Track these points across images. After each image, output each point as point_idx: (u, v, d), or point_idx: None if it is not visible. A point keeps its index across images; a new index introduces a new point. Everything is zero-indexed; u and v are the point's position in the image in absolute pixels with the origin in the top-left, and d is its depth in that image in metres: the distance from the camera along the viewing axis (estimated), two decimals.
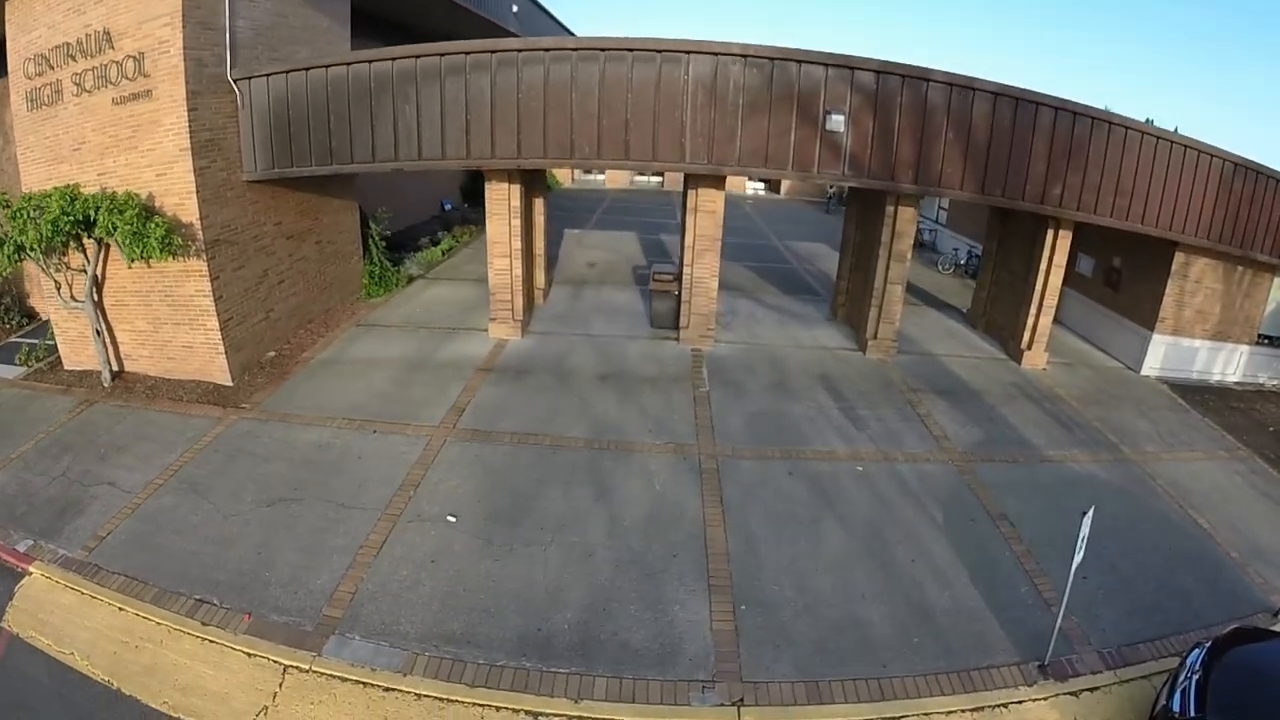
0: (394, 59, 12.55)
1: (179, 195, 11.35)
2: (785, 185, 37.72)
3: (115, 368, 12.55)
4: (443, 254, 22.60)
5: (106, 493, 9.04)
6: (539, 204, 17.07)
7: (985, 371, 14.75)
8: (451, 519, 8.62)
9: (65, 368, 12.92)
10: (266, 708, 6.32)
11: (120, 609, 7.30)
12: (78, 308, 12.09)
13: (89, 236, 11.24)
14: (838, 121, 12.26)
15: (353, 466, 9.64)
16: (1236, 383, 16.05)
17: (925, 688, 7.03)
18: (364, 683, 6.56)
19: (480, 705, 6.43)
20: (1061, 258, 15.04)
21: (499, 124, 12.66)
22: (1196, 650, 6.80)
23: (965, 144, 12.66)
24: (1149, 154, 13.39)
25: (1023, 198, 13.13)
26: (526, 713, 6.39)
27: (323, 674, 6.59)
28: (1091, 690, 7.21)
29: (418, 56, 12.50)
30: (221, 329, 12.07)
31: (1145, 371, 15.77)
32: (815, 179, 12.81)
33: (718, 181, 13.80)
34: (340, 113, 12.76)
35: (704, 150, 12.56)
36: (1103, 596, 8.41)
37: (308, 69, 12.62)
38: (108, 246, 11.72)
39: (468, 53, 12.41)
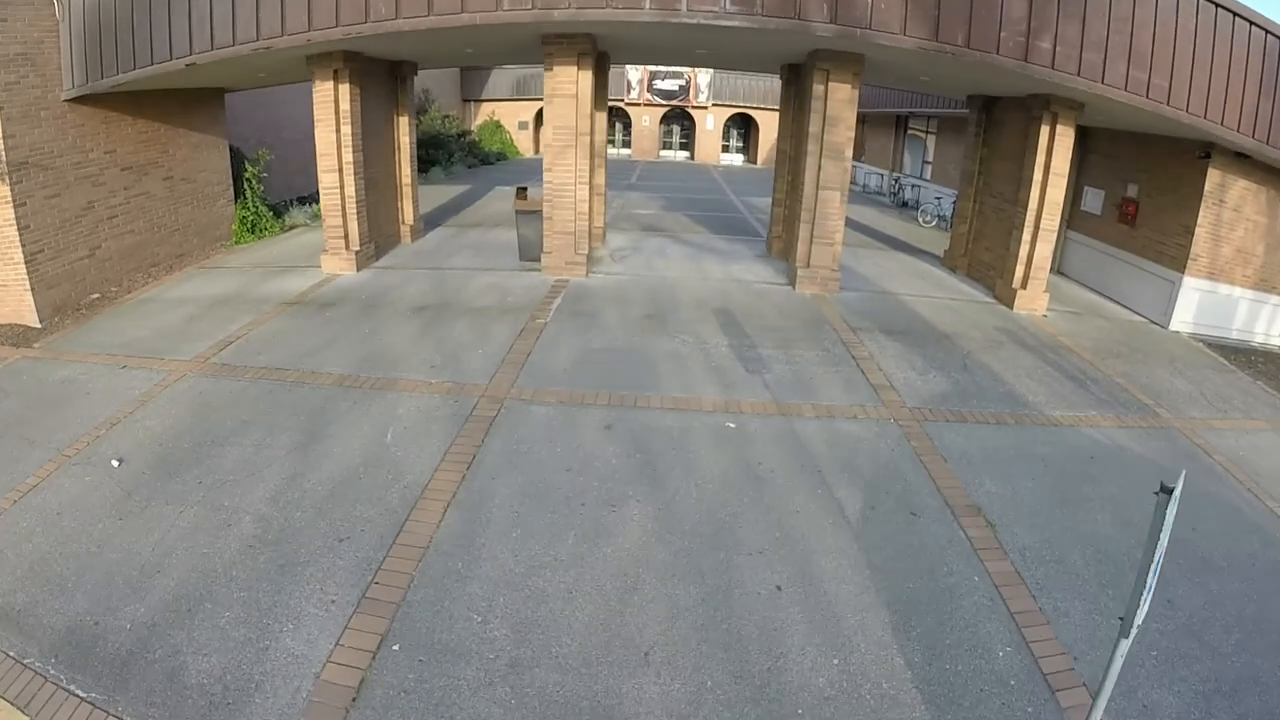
0: None
1: None
2: (762, 154, 33.30)
3: None
4: None
5: None
6: (403, 123, 13.23)
7: (963, 314, 10.24)
8: (116, 463, 6.18)
9: None
10: None
11: None
12: None
13: None
14: None
15: (75, 403, 7.42)
16: None
17: None
18: None
19: None
20: (1062, 163, 10.61)
21: None
22: None
23: None
24: (1170, 8, 8.89)
25: (997, 50, 8.62)
26: None
27: None
28: None
29: None
30: (28, 263, 9.83)
31: (1175, 326, 11.21)
32: (684, 18, 8.32)
33: (572, 54, 9.59)
34: (143, 8, 9.80)
35: None
36: (1155, 661, 4.02)
37: None
38: None
39: None
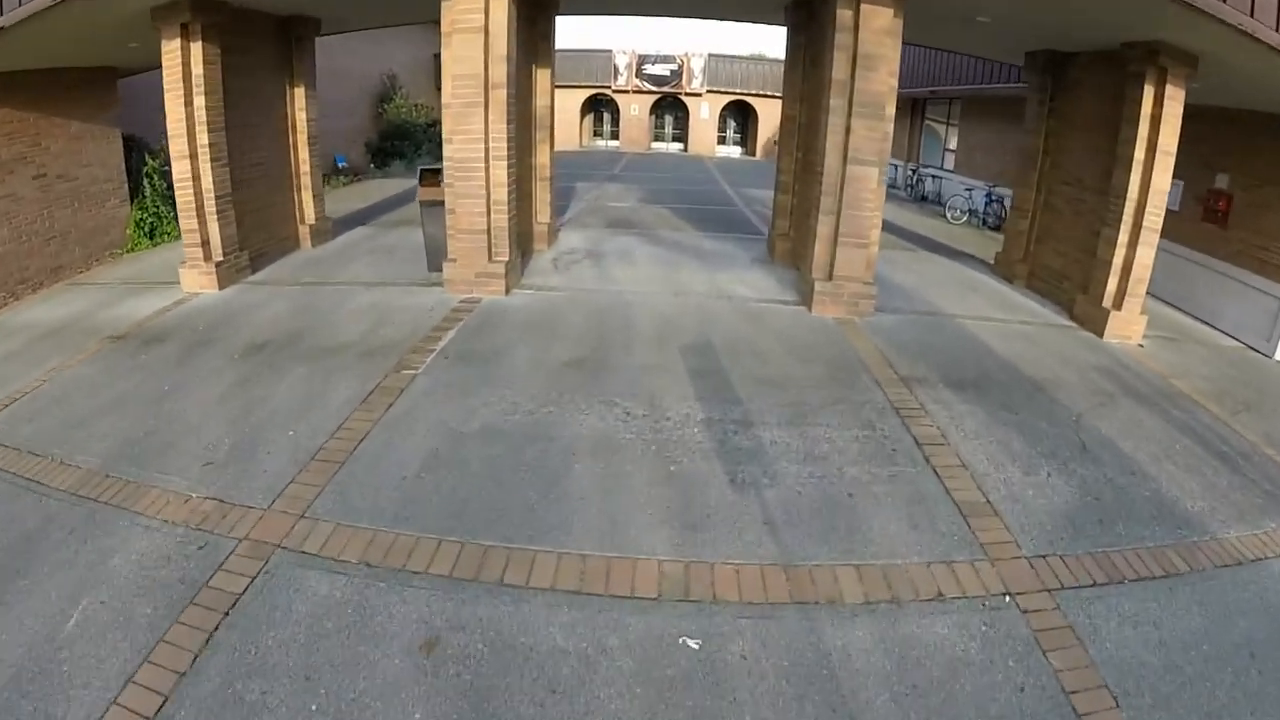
0: None
1: None
2: (761, 146, 30.11)
3: None
4: None
5: None
6: (299, 95, 9.96)
7: (1043, 345, 7.12)
8: None
9: None
10: None
11: None
12: None
13: None
14: None
15: None
16: None
17: None
18: None
19: None
20: (1170, 138, 7.55)
21: None
22: None
23: None
24: None
25: None
26: None
27: None
28: None
29: None
30: None
31: None
32: None
33: None
34: None
35: None
36: None
37: None
38: None
39: None
